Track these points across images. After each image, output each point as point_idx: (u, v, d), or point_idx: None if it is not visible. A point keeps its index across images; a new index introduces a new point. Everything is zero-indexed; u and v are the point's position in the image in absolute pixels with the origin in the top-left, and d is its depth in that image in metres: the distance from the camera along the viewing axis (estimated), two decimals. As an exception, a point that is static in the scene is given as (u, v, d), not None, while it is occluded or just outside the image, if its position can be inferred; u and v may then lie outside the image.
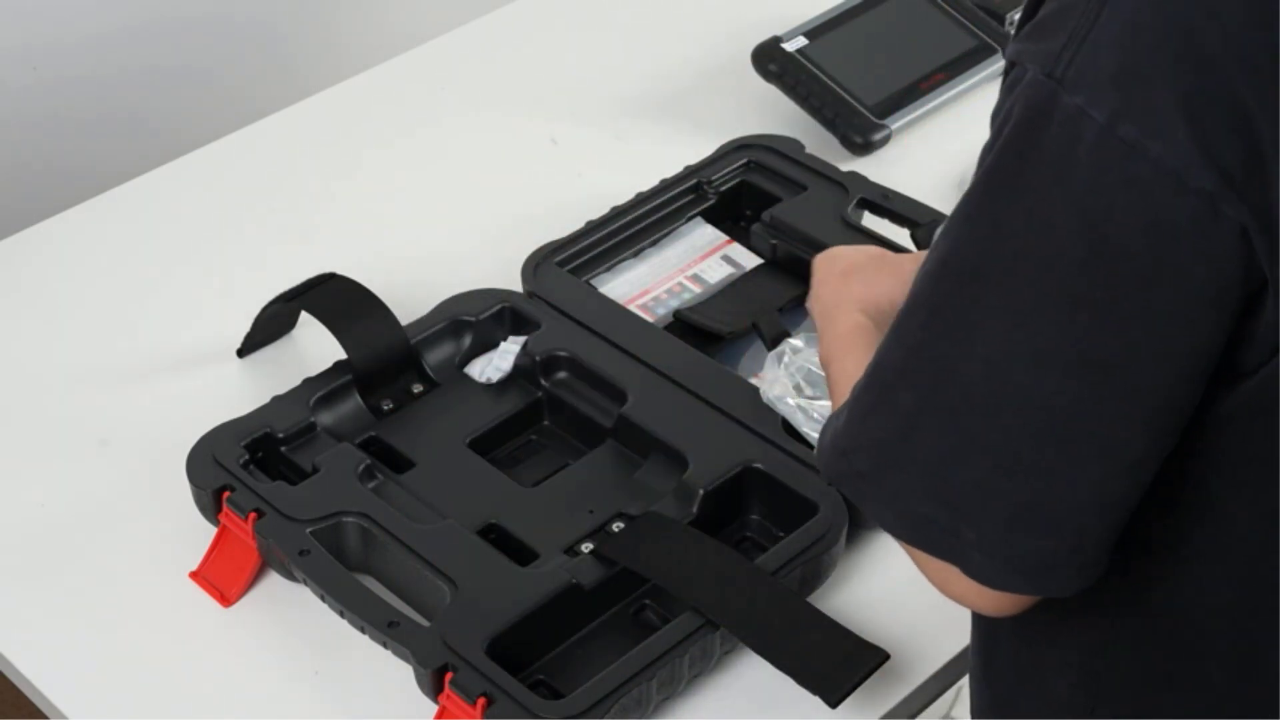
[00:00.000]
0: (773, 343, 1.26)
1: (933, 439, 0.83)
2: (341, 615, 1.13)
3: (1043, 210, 0.77)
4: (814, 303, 1.12)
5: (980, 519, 0.82)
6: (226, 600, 1.18)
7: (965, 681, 1.09)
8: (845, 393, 0.96)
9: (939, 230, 0.85)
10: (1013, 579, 0.84)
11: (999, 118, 0.81)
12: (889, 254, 1.12)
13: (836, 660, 1.08)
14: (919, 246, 1.33)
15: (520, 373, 1.30)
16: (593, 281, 1.39)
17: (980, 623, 1.00)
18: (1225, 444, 0.82)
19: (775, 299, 1.37)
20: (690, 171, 1.46)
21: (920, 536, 0.85)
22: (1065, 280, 0.77)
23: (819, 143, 1.53)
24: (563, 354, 1.29)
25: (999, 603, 0.86)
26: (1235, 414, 0.81)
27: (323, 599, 1.13)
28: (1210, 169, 0.74)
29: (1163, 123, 0.74)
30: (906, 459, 0.84)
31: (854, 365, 0.97)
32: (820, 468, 0.90)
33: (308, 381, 1.28)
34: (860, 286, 1.07)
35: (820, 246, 1.38)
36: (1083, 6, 0.76)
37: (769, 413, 1.23)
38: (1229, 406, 0.81)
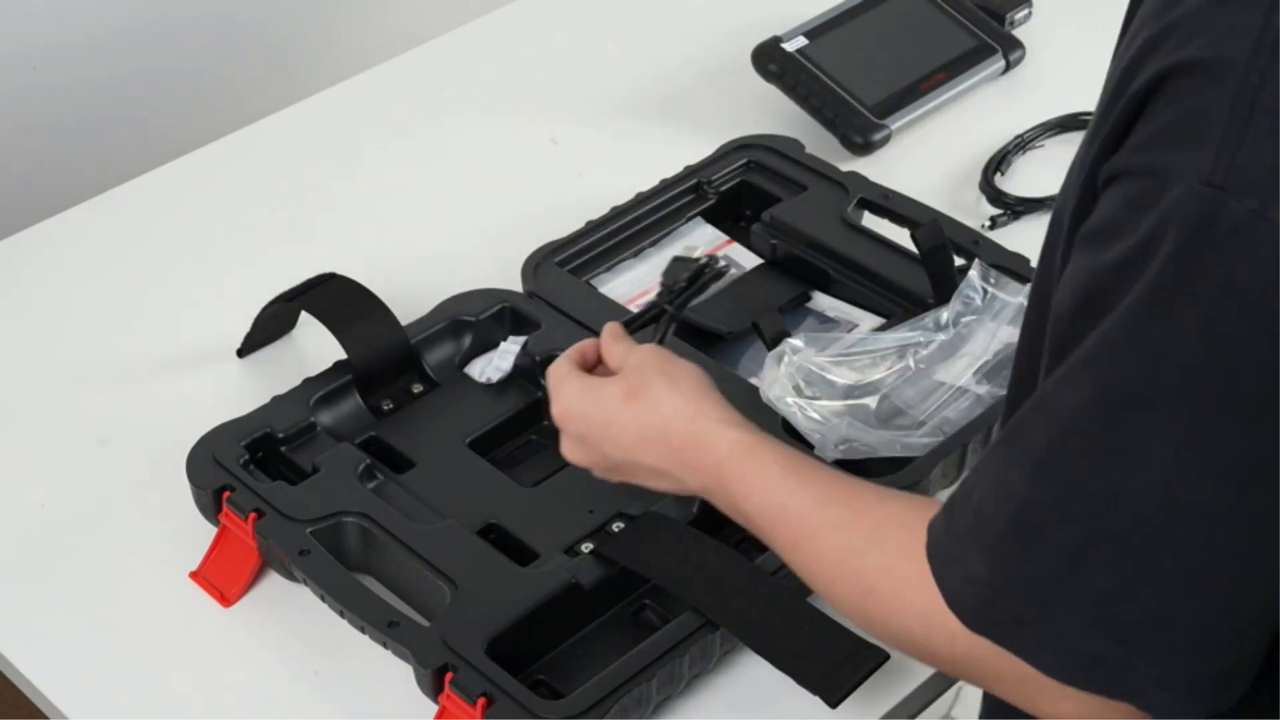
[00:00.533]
0: (773, 343, 1.26)
1: (1101, 573, 0.79)
2: (341, 615, 1.13)
3: (1220, 322, 0.75)
4: (604, 468, 1.09)
5: (1158, 650, 0.80)
6: (226, 600, 1.18)
7: (965, 682, 1.09)
8: (800, 527, 0.94)
9: (1061, 369, 0.81)
10: (1192, 706, 0.81)
11: (1124, 234, 0.77)
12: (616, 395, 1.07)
13: (836, 660, 1.08)
14: (918, 246, 1.33)
15: (520, 373, 1.30)
16: (593, 281, 1.39)
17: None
18: None
19: (775, 299, 1.38)
20: (690, 171, 1.46)
21: (1088, 678, 0.82)
22: (1247, 388, 0.75)
23: (819, 143, 1.53)
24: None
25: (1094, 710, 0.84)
26: None
27: (323, 599, 1.13)
28: None
29: None
30: (1072, 597, 0.80)
31: (789, 495, 0.96)
32: (962, 620, 0.85)
33: (308, 381, 1.28)
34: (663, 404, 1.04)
35: (820, 246, 1.39)
36: (1226, 109, 0.74)
37: (769, 413, 1.23)
38: None
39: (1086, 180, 0.81)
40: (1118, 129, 0.79)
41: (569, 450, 1.12)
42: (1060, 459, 0.80)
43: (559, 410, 1.09)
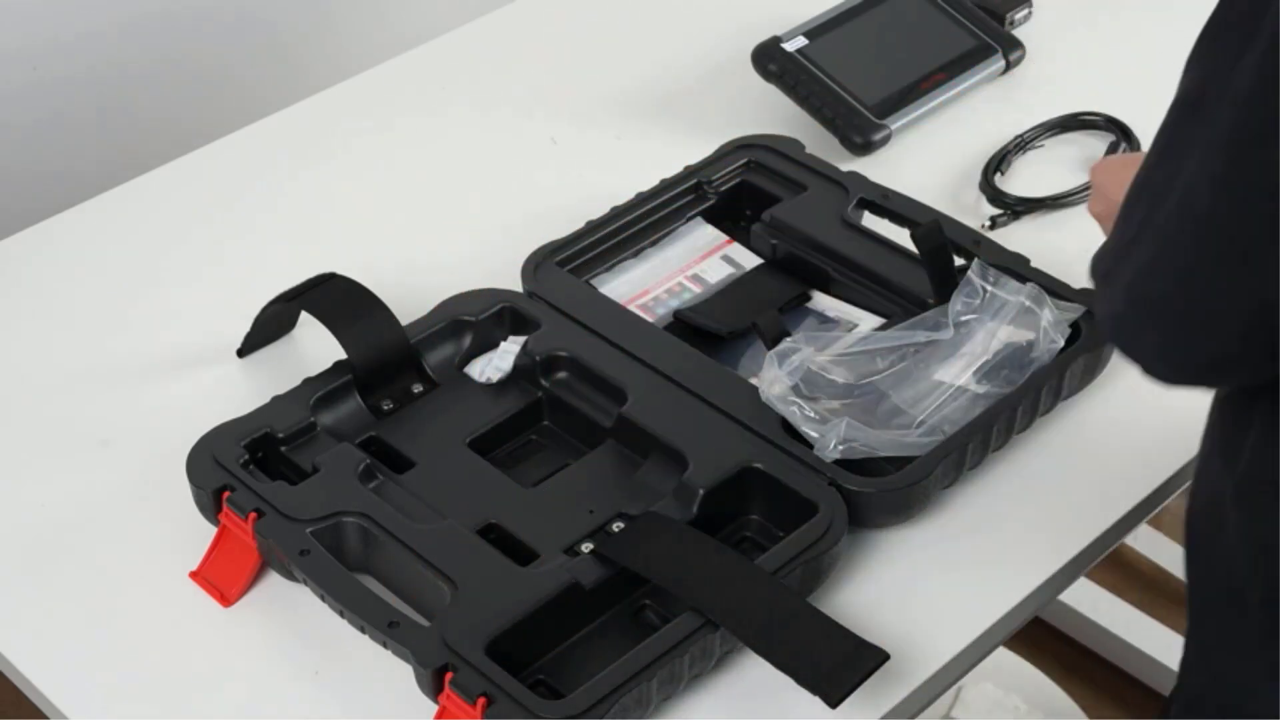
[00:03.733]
0: (773, 343, 1.26)
1: (1143, 250, 0.95)
2: (341, 615, 1.13)
3: (1236, 60, 0.87)
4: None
5: (1163, 323, 0.95)
6: (226, 600, 1.18)
7: (965, 681, 1.09)
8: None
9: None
10: (1185, 378, 1.00)
11: None
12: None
13: (836, 660, 1.08)
14: (918, 246, 1.33)
15: (520, 373, 1.30)
16: (593, 281, 1.39)
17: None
18: None
19: (775, 299, 1.38)
20: (690, 171, 1.46)
21: (1118, 334, 0.99)
22: (1255, 117, 0.87)
23: (819, 143, 1.53)
24: (563, 354, 1.29)
25: None
26: None
27: (323, 599, 1.13)
28: None
29: None
30: (1125, 266, 0.96)
31: None
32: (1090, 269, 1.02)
33: (308, 381, 1.28)
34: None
35: (820, 246, 1.39)
36: None
37: (769, 413, 1.23)
38: None
39: None
40: None
41: None
42: (1150, 154, 0.96)
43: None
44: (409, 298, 1.34)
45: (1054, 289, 1.32)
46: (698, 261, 1.42)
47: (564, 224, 1.41)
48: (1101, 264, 1.00)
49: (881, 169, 1.51)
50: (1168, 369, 0.99)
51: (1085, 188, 1.53)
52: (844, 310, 1.37)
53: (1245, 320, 0.92)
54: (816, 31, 1.62)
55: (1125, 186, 1.12)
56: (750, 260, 1.43)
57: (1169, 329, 0.96)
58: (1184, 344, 0.96)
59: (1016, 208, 1.51)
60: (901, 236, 1.39)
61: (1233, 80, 0.87)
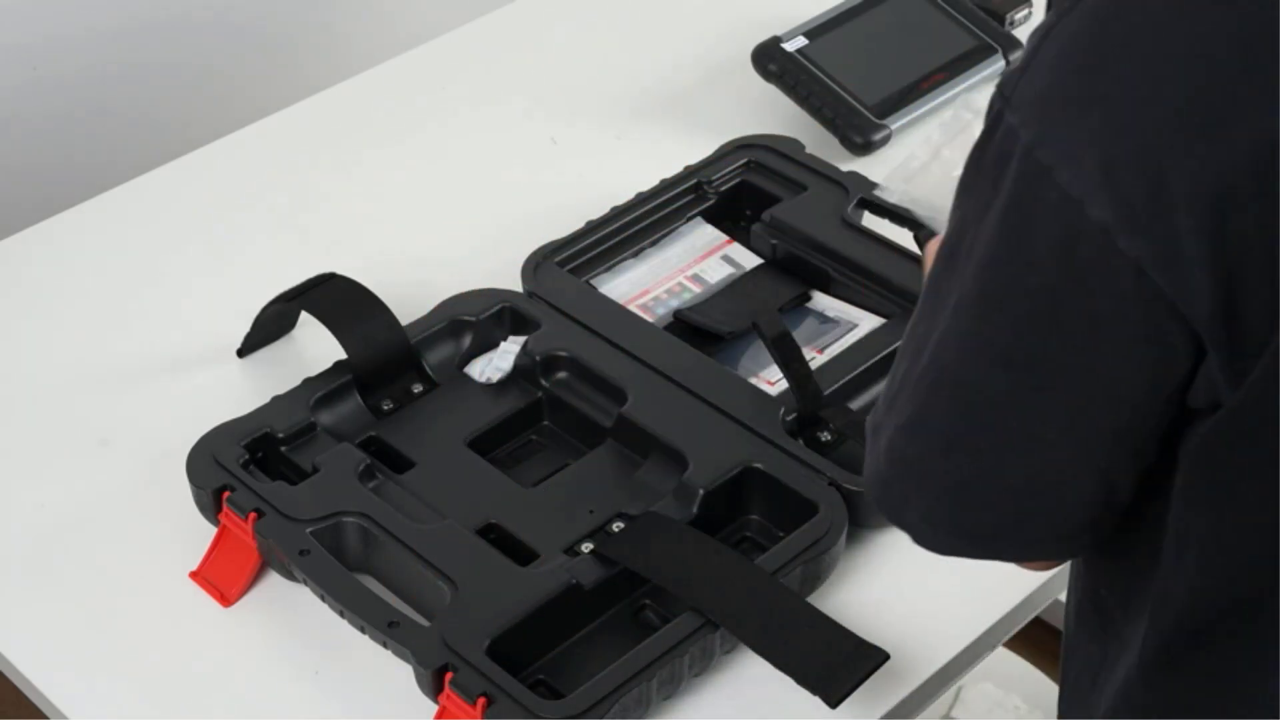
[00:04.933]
0: (773, 343, 1.26)
1: (902, 408, 0.88)
2: (341, 615, 1.13)
3: (985, 213, 0.82)
4: None
5: (923, 491, 0.88)
6: (226, 600, 1.18)
7: (965, 681, 1.09)
8: None
9: None
10: (958, 546, 0.91)
11: None
12: None
13: (836, 660, 1.08)
14: (920, 247, 1.33)
15: (520, 373, 1.30)
16: (593, 281, 1.39)
17: None
18: (1187, 476, 0.84)
19: (775, 299, 1.38)
20: (690, 171, 1.46)
21: (881, 500, 0.91)
22: (994, 280, 0.82)
23: (819, 143, 1.53)
24: (563, 354, 1.29)
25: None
26: (1196, 450, 0.82)
27: (323, 599, 1.13)
28: (1110, 201, 0.76)
29: (1074, 150, 0.77)
30: (888, 422, 0.89)
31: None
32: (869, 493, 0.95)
33: (308, 381, 1.28)
34: None
35: (820, 246, 1.39)
36: (1039, 33, 0.80)
37: (769, 413, 1.23)
38: (1189, 443, 0.83)
39: None
40: None
41: None
42: (920, 304, 0.89)
43: None
44: (409, 298, 1.34)
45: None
46: (698, 261, 1.42)
47: (564, 224, 1.41)
48: (872, 417, 0.92)
49: (881, 169, 1.51)
50: (934, 539, 0.91)
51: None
52: (844, 310, 1.37)
53: (1010, 493, 0.86)
54: (816, 31, 1.62)
55: None
56: (750, 260, 1.43)
57: (929, 497, 0.88)
58: (945, 515, 0.89)
59: (1016, 208, 1.51)
60: (901, 236, 1.39)
61: (980, 234, 0.83)
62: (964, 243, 0.84)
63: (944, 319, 0.85)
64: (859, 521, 1.19)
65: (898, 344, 1.29)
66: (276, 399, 1.26)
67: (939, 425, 0.86)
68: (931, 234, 1.29)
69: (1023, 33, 1.68)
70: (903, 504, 0.90)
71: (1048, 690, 1.97)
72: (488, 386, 1.30)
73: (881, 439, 0.90)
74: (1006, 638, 1.22)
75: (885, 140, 1.56)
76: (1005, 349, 0.83)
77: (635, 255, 1.42)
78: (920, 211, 1.32)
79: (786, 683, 1.08)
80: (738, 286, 1.40)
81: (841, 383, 1.28)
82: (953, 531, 0.89)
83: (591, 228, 1.41)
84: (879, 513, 0.93)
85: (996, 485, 0.86)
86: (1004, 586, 1.19)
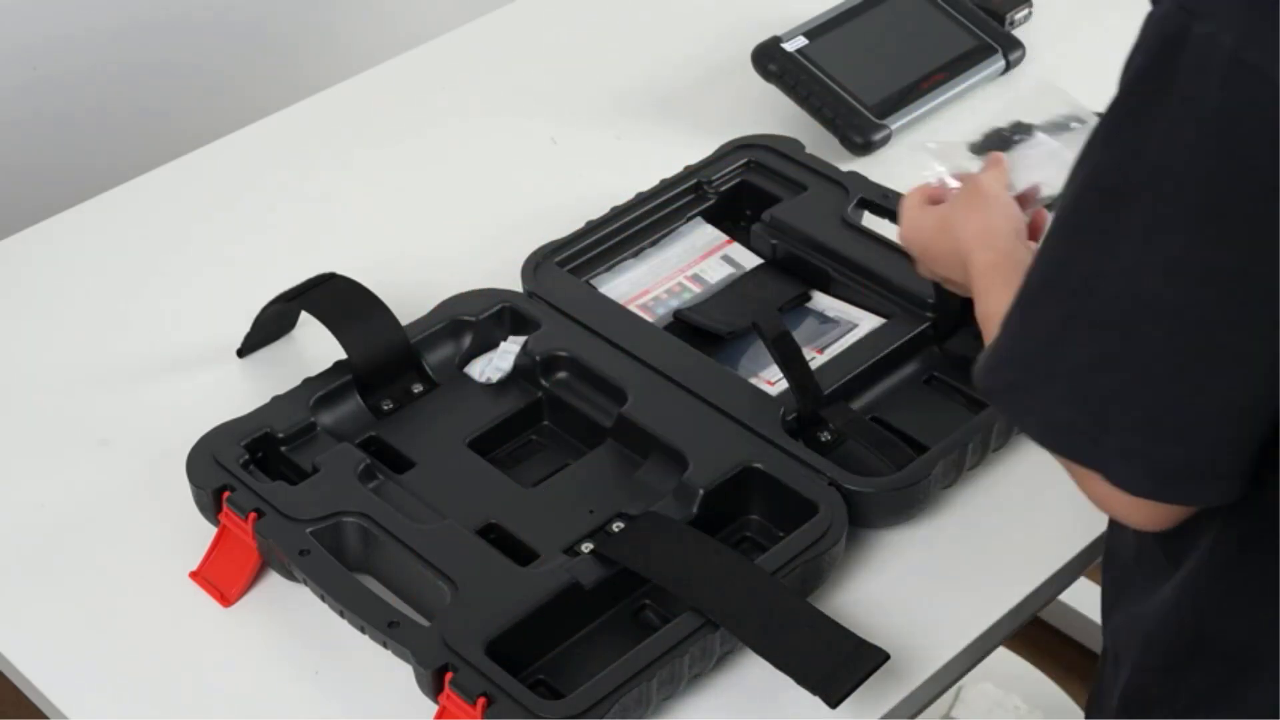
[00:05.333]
0: (773, 343, 1.26)
1: (1076, 349, 0.88)
2: (341, 615, 1.13)
3: (1176, 131, 0.82)
4: (924, 259, 1.22)
5: (1120, 426, 0.88)
6: (226, 600, 1.18)
7: (965, 681, 1.09)
8: (991, 329, 1.02)
9: (1079, 153, 0.89)
10: (1152, 485, 0.89)
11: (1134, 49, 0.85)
12: (975, 191, 1.19)
13: (836, 660, 1.08)
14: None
15: (520, 373, 1.30)
16: (593, 281, 1.39)
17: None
18: None
19: (775, 299, 1.38)
20: (690, 171, 1.46)
21: (1065, 443, 0.91)
22: (1197, 195, 0.82)
23: (819, 143, 1.53)
24: (563, 354, 1.29)
25: (1152, 515, 0.91)
26: None
27: (323, 599, 1.13)
28: None
29: None
30: (1052, 369, 0.89)
31: (995, 302, 1.05)
32: (976, 385, 0.95)
33: (308, 381, 1.28)
34: (968, 226, 1.16)
35: (820, 246, 1.39)
36: None
37: (769, 413, 1.23)
38: None
39: None
40: None
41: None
42: (1052, 241, 0.89)
43: (902, 232, 1.23)
44: (409, 298, 1.34)
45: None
46: (698, 261, 1.42)
47: (564, 224, 1.41)
48: (1005, 372, 0.92)
49: (881, 169, 1.51)
50: (1129, 476, 0.89)
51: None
52: (844, 310, 1.37)
53: (1213, 419, 0.86)
54: (816, 31, 1.62)
55: (954, 253, 1.13)
56: (750, 260, 1.43)
57: (1126, 432, 0.88)
58: (1142, 448, 0.88)
59: (1016, 208, 1.51)
60: (901, 236, 1.39)
61: (1169, 155, 0.82)
62: (1135, 173, 0.83)
63: (1130, 252, 0.84)
64: (859, 521, 1.19)
65: (898, 344, 1.31)
66: (276, 399, 1.26)
67: (1140, 356, 0.86)
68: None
69: (1023, 33, 1.68)
70: (1093, 445, 0.89)
71: (1048, 690, 1.97)
72: (488, 386, 1.30)
73: (1051, 389, 0.89)
74: (1006, 638, 1.22)
75: (885, 140, 1.56)
76: (1230, 267, 0.82)
77: (635, 255, 1.42)
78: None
79: (786, 683, 1.08)
80: (738, 286, 1.40)
81: (841, 383, 1.28)
82: (1149, 469, 0.88)
83: (591, 228, 1.41)
84: (1069, 459, 0.92)
85: (1201, 411, 0.86)
86: (1004, 586, 1.19)
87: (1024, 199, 1.21)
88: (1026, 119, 1.28)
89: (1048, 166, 1.22)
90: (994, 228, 1.15)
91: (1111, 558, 1.07)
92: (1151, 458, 0.88)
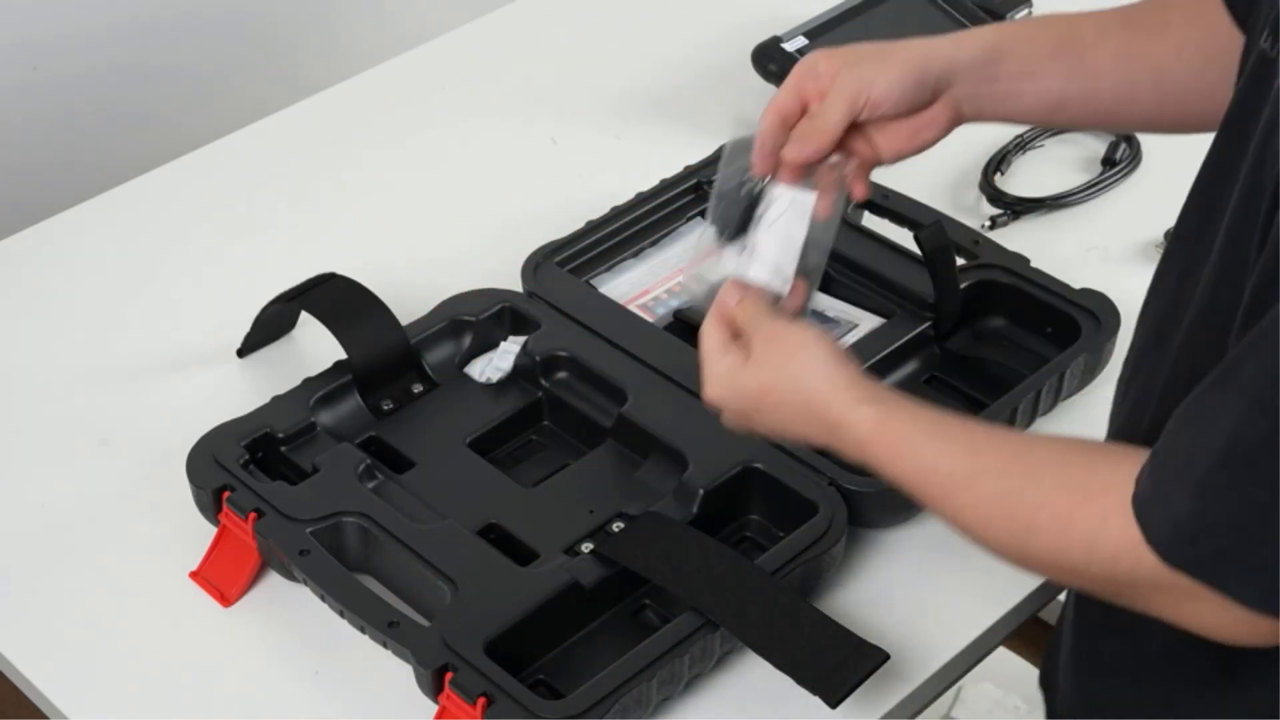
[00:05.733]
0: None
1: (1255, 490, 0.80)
2: (341, 615, 1.13)
3: None
4: (749, 421, 1.07)
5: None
6: (226, 600, 1.18)
7: (965, 681, 1.09)
8: (937, 484, 0.95)
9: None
10: None
11: None
12: (779, 336, 1.06)
13: (836, 660, 1.08)
14: (922, 248, 1.32)
15: (520, 373, 1.30)
16: (593, 281, 1.39)
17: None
18: None
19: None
20: (690, 171, 1.46)
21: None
22: None
23: (819, 143, 1.53)
24: (563, 354, 1.29)
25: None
26: None
27: (323, 599, 1.13)
28: None
29: None
30: (1274, 532, 0.81)
31: (929, 457, 0.96)
32: (1162, 554, 0.85)
33: (308, 381, 1.28)
34: (807, 381, 1.02)
35: (820, 246, 1.39)
36: None
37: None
38: None
39: None
40: None
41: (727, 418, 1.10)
42: (1275, 394, 0.79)
43: (712, 395, 1.07)
44: (409, 298, 1.34)
45: (1054, 289, 1.33)
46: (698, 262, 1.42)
47: (564, 224, 1.41)
48: (1215, 539, 0.83)
49: (881, 169, 1.50)
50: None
51: (1086, 187, 1.53)
52: (844, 310, 1.37)
53: None
54: (816, 31, 1.62)
55: (804, 417, 1.00)
56: (750, 260, 1.42)
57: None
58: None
59: (1016, 208, 1.51)
60: (902, 236, 1.39)
61: None
62: None
63: None
64: (859, 521, 1.19)
65: (898, 344, 1.31)
66: (276, 399, 1.26)
67: None
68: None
69: (1023, 33, 1.68)
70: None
71: (1048, 690, 1.97)
72: (488, 386, 1.30)
73: (1262, 552, 0.81)
74: (1006, 637, 1.22)
75: (885, 140, 1.56)
76: None
77: (635, 255, 1.42)
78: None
79: (786, 683, 1.08)
80: (738, 286, 1.40)
81: (841, 383, 1.28)
82: None
83: (591, 228, 1.41)
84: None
85: None
86: (1004, 586, 1.19)
87: (796, 288, 1.11)
88: (748, 179, 1.13)
89: (797, 223, 1.10)
90: (838, 375, 1.02)
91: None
92: None
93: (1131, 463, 0.88)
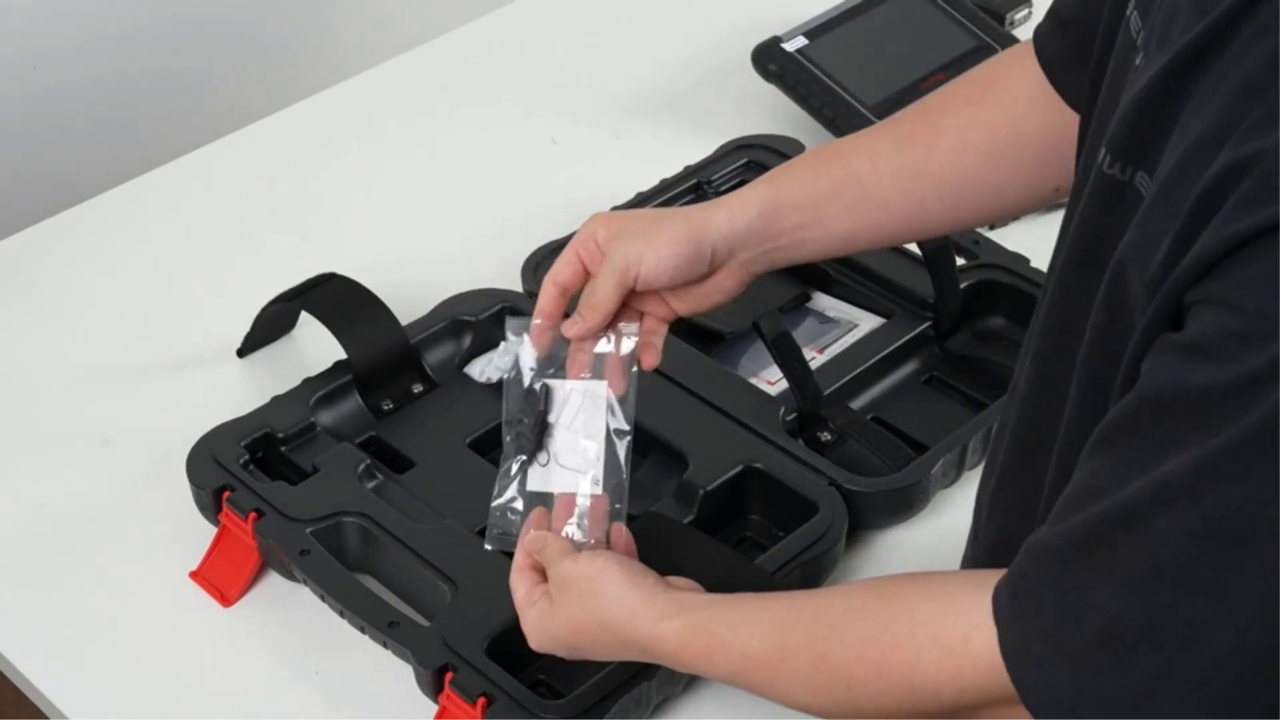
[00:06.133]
0: (773, 343, 1.26)
1: (1174, 706, 0.79)
2: (341, 615, 1.13)
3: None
4: (574, 654, 1.04)
5: None
6: (226, 600, 1.18)
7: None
8: (768, 665, 0.94)
9: (1149, 486, 0.78)
10: None
11: (1224, 363, 0.75)
12: (569, 583, 1.02)
13: (836, 660, 1.08)
14: (922, 248, 1.32)
15: (520, 373, 1.30)
16: (593, 281, 1.39)
17: None
18: None
19: (775, 299, 1.37)
20: (690, 171, 1.46)
21: None
22: None
23: (819, 142, 1.52)
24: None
25: None
26: None
27: (323, 599, 1.13)
28: None
29: None
30: None
31: (748, 643, 0.95)
32: (1035, 714, 0.83)
33: (308, 381, 1.28)
34: (610, 610, 1.00)
35: (820, 246, 1.39)
36: None
37: (769, 413, 1.23)
38: None
39: (1167, 289, 0.79)
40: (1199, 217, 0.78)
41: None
42: (1156, 583, 0.78)
43: (534, 645, 1.04)
44: (409, 298, 1.34)
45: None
46: (698, 261, 1.42)
47: (564, 224, 1.41)
48: (1075, 717, 0.81)
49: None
50: None
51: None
52: (844, 310, 1.37)
53: None
54: (816, 31, 1.62)
55: (615, 642, 0.98)
56: (750, 260, 1.42)
57: None
58: None
59: (1016, 208, 1.51)
60: (901, 236, 1.39)
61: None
62: (1264, 519, 0.74)
63: (1246, 603, 0.76)
64: (859, 521, 1.19)
65: (898, 344, 1.31)
66: (276, 399, 1.26)
67: (1246, 715, 0.78)
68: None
69: (1022, 33, 1.68)
70: None
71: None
72: (488, 386, 1.30)
73: None
74: (1006, 638, 1.22)
75: (885, 140, 1.56)
76: None
77: (635, 255, 1.42)
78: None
79: (786, 683, 1.08)
80: (738, 286, 1.40)
81: (841, 383, 1.28)
82: None
83: (591, 228, 1.40)
84: None
85: None
86: (1004, 586, 1.19)
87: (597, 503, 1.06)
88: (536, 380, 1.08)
89: (595, 417, 1.07)
90: (634, 599, 1.00)
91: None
92: None
93: (937, 595, 0.88)
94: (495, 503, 1.06)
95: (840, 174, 1.09)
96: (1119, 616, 0.80)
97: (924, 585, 0.91)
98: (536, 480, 1.06)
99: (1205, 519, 0.76)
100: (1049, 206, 1.20)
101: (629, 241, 1.06)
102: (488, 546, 1.06)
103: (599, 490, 1.05)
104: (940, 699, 0.88)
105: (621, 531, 1.05)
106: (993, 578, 0.86)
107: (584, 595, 1.01)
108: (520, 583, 1.04)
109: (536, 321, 1.07)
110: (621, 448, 1.05)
